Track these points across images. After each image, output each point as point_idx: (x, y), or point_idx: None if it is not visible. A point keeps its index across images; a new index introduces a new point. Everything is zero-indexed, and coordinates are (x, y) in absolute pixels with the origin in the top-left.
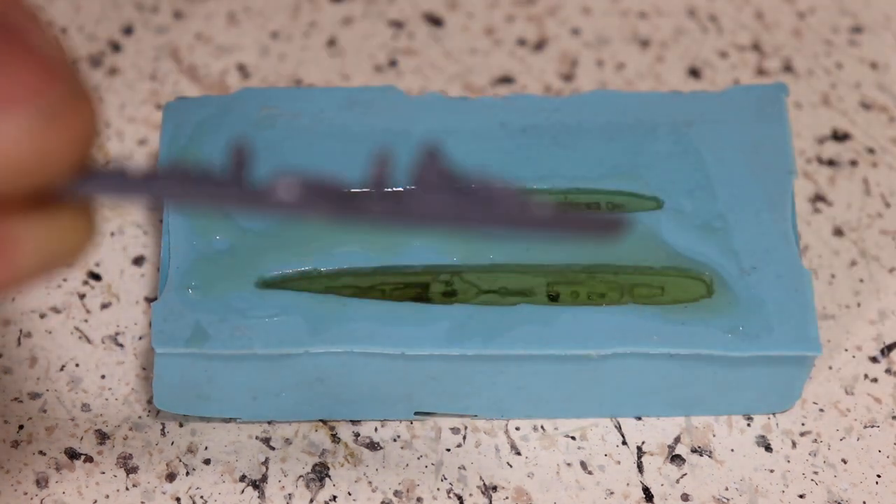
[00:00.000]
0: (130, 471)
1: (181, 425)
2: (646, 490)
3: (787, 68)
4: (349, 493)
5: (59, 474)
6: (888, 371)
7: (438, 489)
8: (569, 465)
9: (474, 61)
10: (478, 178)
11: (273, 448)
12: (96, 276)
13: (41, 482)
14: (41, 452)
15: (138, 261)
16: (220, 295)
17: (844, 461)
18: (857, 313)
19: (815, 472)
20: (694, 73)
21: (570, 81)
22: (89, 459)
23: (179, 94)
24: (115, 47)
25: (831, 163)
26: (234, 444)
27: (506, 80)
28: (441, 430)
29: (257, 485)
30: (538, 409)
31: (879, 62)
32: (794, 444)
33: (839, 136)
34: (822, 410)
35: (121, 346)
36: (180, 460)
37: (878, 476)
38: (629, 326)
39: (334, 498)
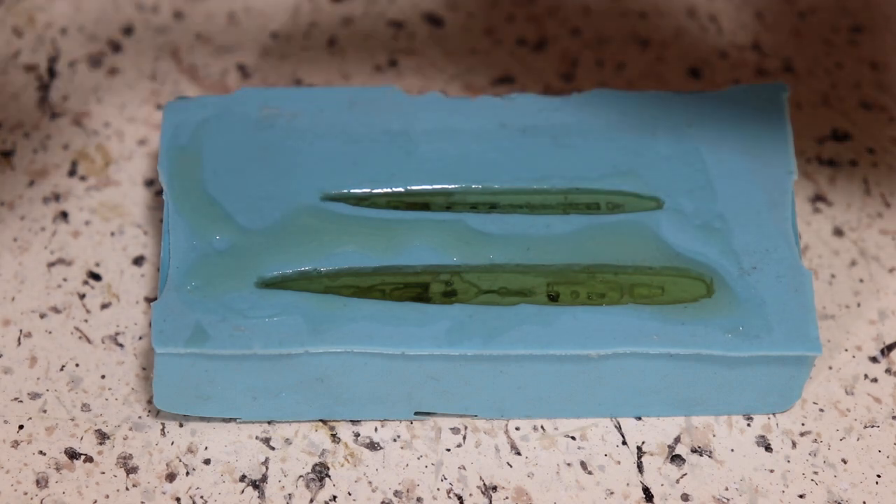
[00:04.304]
0: (130, 471)
1: (181, 425)
2: (646, 490)
3: (787, 68)
4: (349, 493)
5: (59, 474)
6: (888, 371)
7: (438, 489)
8: (569, 465)
9: (474, 61)
10: None
11: (273, 448)
12: (96, 276)
13: (41, 482)
14: (41, 452)
15: (138, 261)
16: (220, 295)
17: (844, 461)
18: (857, 313)
19: (815, 472)
20: (694, 73)
21: (570, 81)
22: (89, 459)
23: (179, 94)
24: (115, 47)
25: (831, 163)
26: (234, 444)
27: (506, 80)
28: (441, 430)
29: (257, 485)
30: (538, 409)
31: (879, 62)
32: (794, 444)
33: (839, 136)
34: (822, 410)
35: (121, 346)
36: (180, 460)
37: (878, 476)
38: (629, 326)
39: (334, 498)
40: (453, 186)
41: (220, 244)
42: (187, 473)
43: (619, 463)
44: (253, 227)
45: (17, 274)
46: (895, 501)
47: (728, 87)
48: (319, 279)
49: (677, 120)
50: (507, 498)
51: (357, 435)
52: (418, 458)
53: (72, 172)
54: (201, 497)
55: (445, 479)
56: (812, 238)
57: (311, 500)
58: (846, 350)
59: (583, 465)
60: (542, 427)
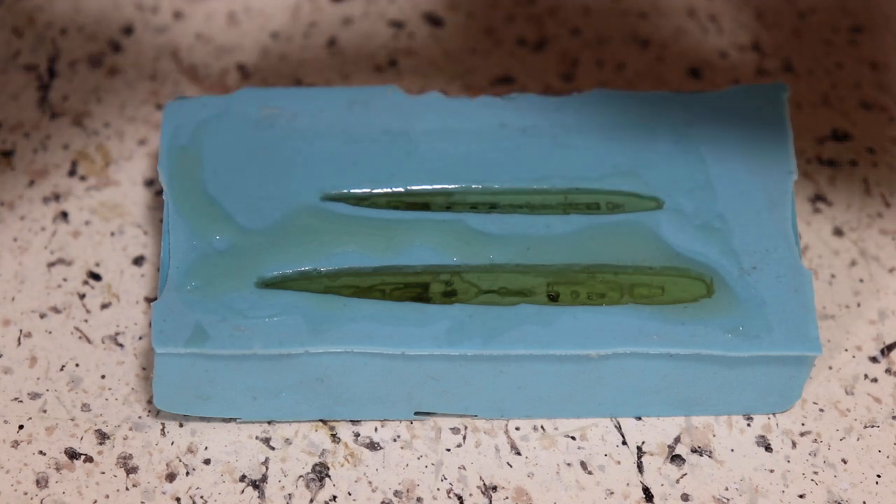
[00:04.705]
0: (130, 471)
1: (181, 425)
2: (646, 490)
3: (787, 68)
4: (349, 493)
5: (59, 474)
6: (888, 371)
7: (438, 489)
8: (569, 465)
9: (474, 61)
10: None
11: (273, 448)
12: (96, 276)
13: (41, 482)
14: (41, 452)
15: (138, 261)
16: (220, 295)
17: (844, 461)
18: (857, 313)
19: (815, 472)
20: (694, 73)
21: (570, 81)
22: (89, 459)
23: (179, 94)
24: (115, 47)
25: (831, 163)
26: (234, 444)
27: (506, 80)
28: (441, 430)
29: (257, 485)
30: (538, 409)
31: (879, 62)
32: (794, 444)
33: (839, 136)
34: (822, 410)
35: (121, 346)
36: (180, 460)
37: (878, 476)
38: (629, 326)
39: (334, 498)
40: (453, 186)
41: (220, 244)
42: (187, 473)
43: (619, 463)
44: (253, 227)
45: (17, 274)
46: (895, 501)
47: (728, 87)
48: (319, 279)
49: (677, 120)
50: (507, 498)
51: (357, 435)
52: (418, 458)
53: (72, 172)
54: (201, 497)
55: (445, 479)
56: (812, 238)
57: (311, 500)
58: (846, 350)
59: (583, 465)
60: (542, 427)
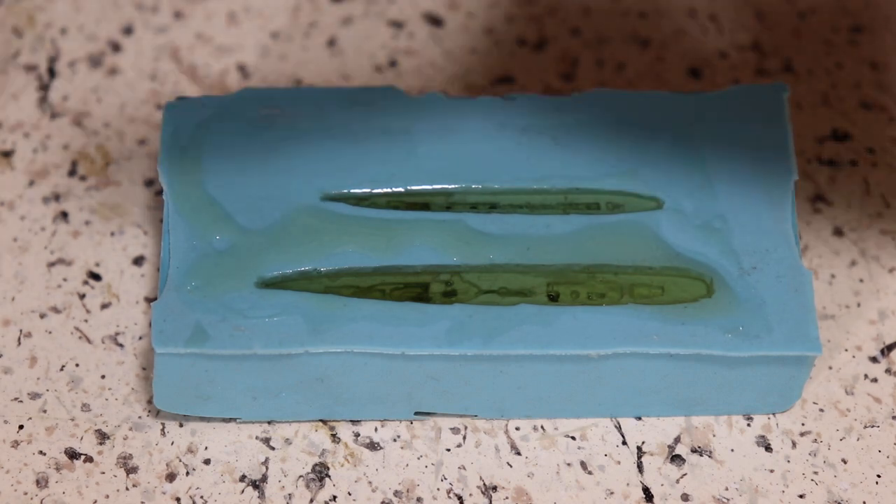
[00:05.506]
0: (130, 471)
1: (181, 425)
2: (646, 490)
3: (787, 68)
4: (349, 493)
5: (59, 474)
6: (888, 371)
7: (438, 489)
8: (569, 465)
9: (474, 61)
10: None
11: (273, 448)
12: (96, 276)
13: (41, 482)
14: (41, 452)
15: (138, 261)
16: (220, 295)
17: (844, 461)
18: (857, 313)
19: (815, 472)
20: (694, 73)
21: (570, 81)
22: (89, 459)
23: (179, 94)
24: (115, 47)
25: (831, 163)
26: (234, 444)
27: (506, 80)
28: (441, 430)
29: (257, 485)
30: (538, 409)
31: (879, 62)
32: (794, 444)
33: (839, 136)
34: (822, 410)
35: (121, 346)
36: (180, 460)
37: (878, 476)
38: (629, 326)
39: (334, 498)
40: (453, 186)
41: (220, 244)
42: (187, 473)
43: (619, 463)
44: (253, 227)
45: (17, 274)
46: (895, 501)
47: (728, 87)
48: (319, 279)
49: (677, 120)
50: (507, 498)
51: (357, 435)
52: (418, 458)
53: (72, 172)
54: (201, 497)
55: (445, 479)
56: (812, 238)
57: (311, 500)
58: (846, 350)
59: (583, 465)
60: (542, 427)
